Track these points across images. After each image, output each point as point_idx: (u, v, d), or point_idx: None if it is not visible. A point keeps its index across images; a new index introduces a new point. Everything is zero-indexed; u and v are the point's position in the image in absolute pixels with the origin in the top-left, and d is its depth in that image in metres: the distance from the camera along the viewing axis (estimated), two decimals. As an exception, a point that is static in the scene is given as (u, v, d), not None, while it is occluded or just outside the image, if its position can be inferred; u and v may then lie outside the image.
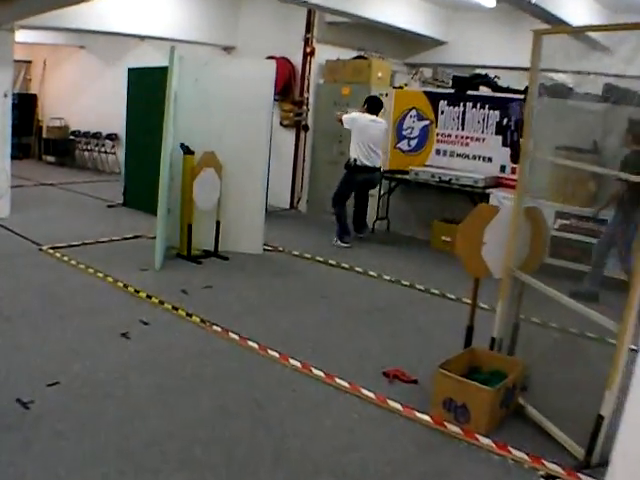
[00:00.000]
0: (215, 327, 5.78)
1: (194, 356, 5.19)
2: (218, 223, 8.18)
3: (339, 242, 9.52)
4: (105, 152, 16.00)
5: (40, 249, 8.12)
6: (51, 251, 8.00)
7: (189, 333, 5.69)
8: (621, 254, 7.25)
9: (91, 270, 7.25)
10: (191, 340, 5.54)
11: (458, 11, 12.44)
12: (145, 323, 5.78)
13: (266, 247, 8.70)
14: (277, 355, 5.26)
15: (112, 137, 15.60)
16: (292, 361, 5.17)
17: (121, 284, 6.82)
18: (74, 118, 16.98)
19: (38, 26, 11.02)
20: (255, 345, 5.44)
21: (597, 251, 7.60)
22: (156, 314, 6.07)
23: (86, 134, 16.45)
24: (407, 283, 7.70)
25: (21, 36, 13.93)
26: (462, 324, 5.17)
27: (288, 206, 12.14)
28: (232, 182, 8.15)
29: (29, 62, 18.63)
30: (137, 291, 6.62)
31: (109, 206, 11.32)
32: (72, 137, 16.94)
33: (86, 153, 16.59)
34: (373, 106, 9.63)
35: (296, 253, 8.74)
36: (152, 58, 12.21)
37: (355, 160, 9.44)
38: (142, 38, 14.12)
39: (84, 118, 16.48)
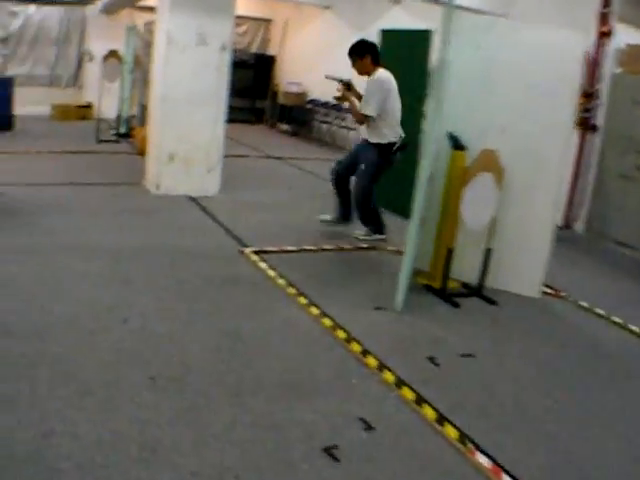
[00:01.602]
0: (480, 456, 3.41)
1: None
2: (488, 251, 5.78)
3: (377, 235, 7.26)
4: (346, 127, 13.99)
5: (241, 252, 6.23)
6: (255, 258, 6.06)
7: (437, 462, 3.32)
8: None
9: (303, 300, 5.17)
10: (442, 482, 3.25)
11: None
12: (368, 426, 3.55)
13: (545, 289, 6.17)
14: None
15: (354, 111, 13.55)
16: None
17: (342, 334, 4.63)
18: (314, 85, 15.26)
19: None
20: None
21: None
22: (387, 407, 3.79)
23: (325, 104, 14.60)
24: None
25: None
26: None
27: (560, 224, 9.41)
28: (513, 194, 5.72)
29: (269, 21, 17.26)
30: (365, 352, 4.41)
31: (342, 197, 9.26)
32: (310, 106, 15.20)
33: (324, 125, 14.82)
34: (378, 55, 7.12)
35: (584, 304, 6.02)
36: (406, 24, 10.15)
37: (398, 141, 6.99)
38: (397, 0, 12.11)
39: (325, 86, 14.59)
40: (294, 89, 15.66)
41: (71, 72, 16.70)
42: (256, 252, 6.19)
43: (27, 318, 4.39)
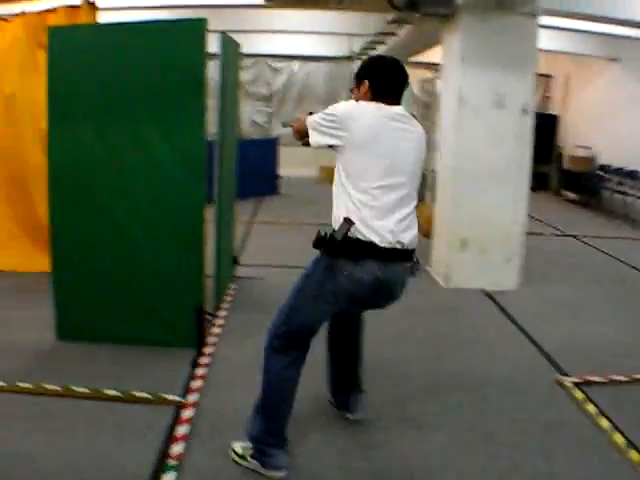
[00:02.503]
0: None
1: None
2: None
3: (262, 467, 3.51)
4: (644, 198, 12.23)
5: (559, 382, 4.96)
6: (578, 394, 4.75)
7: None
8: None
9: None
10: None
11: None
12: None
13: None
14: None
15: (656, 180, 11.87)
16: None
17: None
18: (604, 149, 13.76)
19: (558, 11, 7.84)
20: None
21: None
22: None
23: (618, 171, 13.00)
24: None
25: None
26: None
27: None
28: None
29: (548, 77, 16.11)
30: None
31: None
32: (600, 172, 13.71)
33: (617, 195, 13.14)
34: (389, 84, 3.46)
35: None
36: None
37: (347, 228, 3.19)
38: None
39: (617, 150, 13.14)
40: (581, 153, 14.33)
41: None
42: (577, 384, 4.89)
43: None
